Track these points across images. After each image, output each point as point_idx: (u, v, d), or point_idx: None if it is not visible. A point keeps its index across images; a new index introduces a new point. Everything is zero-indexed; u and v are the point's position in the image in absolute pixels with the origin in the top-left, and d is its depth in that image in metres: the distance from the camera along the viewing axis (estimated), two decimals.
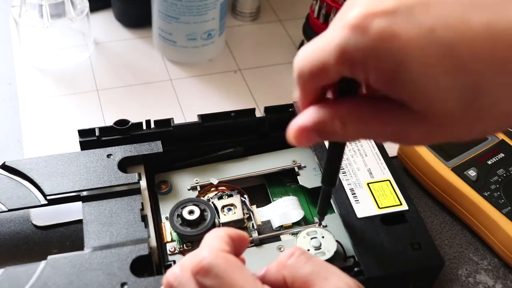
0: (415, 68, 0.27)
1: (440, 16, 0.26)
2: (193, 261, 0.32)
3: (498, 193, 0.49)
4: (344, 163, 0.48)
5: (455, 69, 0.26)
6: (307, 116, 0.32)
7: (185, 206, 0.45)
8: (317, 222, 0.47)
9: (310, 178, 0.50)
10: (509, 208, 0.48)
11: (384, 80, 0.28)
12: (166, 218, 0.46)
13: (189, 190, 0.49)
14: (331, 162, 0.38)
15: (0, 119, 0.59)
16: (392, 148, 0.56)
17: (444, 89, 0.27)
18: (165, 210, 0.47)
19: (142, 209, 0.44)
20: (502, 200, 0.48)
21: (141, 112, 0.59)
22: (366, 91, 0.32)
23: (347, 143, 0.49)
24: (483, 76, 0.26)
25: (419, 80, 0.27)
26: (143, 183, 0.46)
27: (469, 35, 0.26)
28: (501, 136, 0.53)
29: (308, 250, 0.43)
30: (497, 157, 0.52)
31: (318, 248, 0.43)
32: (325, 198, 0.41)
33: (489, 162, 0.51)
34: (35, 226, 0.48)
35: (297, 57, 0.31)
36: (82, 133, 0.48)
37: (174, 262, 0.43)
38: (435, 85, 0.27)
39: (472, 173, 0.50)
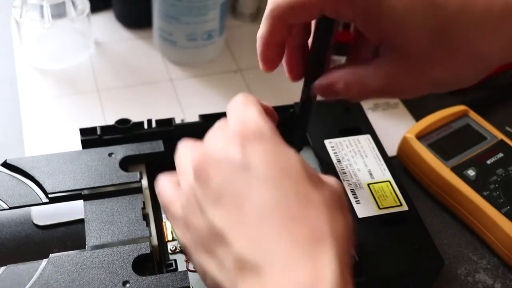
0: (399, 2, 0.30)
1: None
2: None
3: (497, 192, 0.49)
4: (345, 163, 0.48)
5: (431, 5, 0.30)
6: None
7: None
8: None
9: None
10: (508, 207, 0.48)
11: (367, 15, 0.31)
12: (167, 218, 0.46)
13: None
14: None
15: (1, 119, 0.59)
16: (392, 148, 0.56)
17: (419, 24, 0.30)
18: None
19: (143, 208, 0.44)
20: (501, 200, 0.48)
21: (141, 113, 0.59)
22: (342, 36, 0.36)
23: (348, 146, 0.49)
24: (455, 15, 0.30)
25: (400, 14, 0.30)
26: (145, 182, 0.47)
27: None
28: (500, 136, 0.54)
29: None
30: (496, 157, 0.52)
31: None
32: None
33: (488, 162, 0.51)
34: (36, 225, 0.48)
35: None
36: (83, 131, 0.48)
37: (175, 261, 0.43)
38: (412, 18, 0.30)
39: (471, 172, 0.51)
